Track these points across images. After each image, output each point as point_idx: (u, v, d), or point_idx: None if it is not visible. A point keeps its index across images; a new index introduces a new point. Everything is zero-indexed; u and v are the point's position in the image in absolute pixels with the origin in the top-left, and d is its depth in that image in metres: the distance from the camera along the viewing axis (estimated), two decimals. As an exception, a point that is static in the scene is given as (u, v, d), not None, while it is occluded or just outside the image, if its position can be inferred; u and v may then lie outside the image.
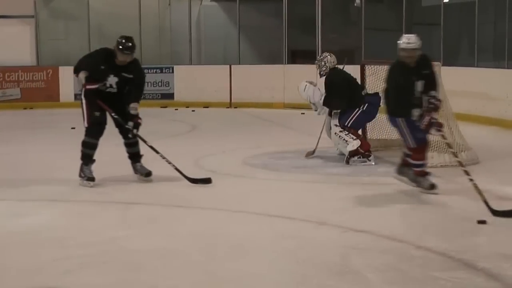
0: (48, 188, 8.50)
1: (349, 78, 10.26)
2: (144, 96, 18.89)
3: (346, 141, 9.75)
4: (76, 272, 5.34)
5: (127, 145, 8.92)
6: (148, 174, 8.80)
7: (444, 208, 7.40)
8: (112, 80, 8.57)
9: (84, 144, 8.72)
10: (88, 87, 8.58)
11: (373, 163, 9.76)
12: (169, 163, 8.61)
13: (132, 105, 8.62)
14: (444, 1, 17.09)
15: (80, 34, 20.07)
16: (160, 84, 19.27)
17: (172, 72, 19.31)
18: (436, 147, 9.61)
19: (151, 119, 16.15)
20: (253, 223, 6.83)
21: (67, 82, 18.86)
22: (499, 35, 17.10)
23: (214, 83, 18.95)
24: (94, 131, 8.62)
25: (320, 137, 10.32)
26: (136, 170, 8.90)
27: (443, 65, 10.64)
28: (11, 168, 9.84)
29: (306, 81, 10.29)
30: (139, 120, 8.72)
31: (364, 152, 9.81)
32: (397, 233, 6.17)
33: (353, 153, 9.76)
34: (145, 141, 8.87)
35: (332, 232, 6.39)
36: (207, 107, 18.48)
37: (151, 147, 8.78)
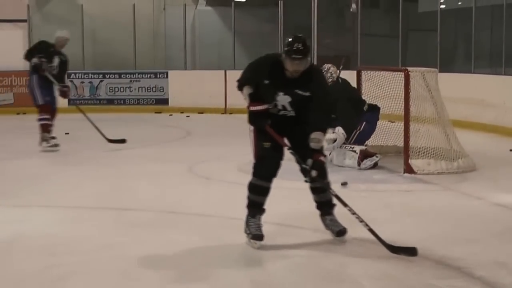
0: (40, 194, 8.43)
1: (351, 96, 10.26)
2: (138, 101, 18.95)
3: (351, 155, 9.75)
4: (68, 279, 5.28)
5: (312, 189, 6.45)
6: (341, 232, 6.31)
7: (441, 215, 7.36)
8: (282, 99, 6.20)
9: (251, 187, 6.42)
10: (252, 108, 6.35)
11: (378, 157, 9.80)
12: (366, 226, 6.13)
13: (314, 135, 6.03)
14: (441, 7, 17.07)
15: (74, 39, 19.84)
16: (154, 89, 19.22)
17: (167, 77, 19.26)
18: (433, 154, 9.58)
19: (145, 125, 16.20)
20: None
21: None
22: (495, 41, 17.11)
23: (209, 88, 18.89)
24: (262, 169, 6.35)
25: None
26: (326, 225, 6.45)
27: (439, 71, 10.60)
28: (2, 174, 9.76)
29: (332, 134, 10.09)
30: (321, 158, 6.12)
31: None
32: (394, 240, 6.09)
33: (362, 157, 9.70)
34: (327, 189, 6.40)
35: (328, 240, 6.32)
36: (202, 113, 18.43)
37: (338, 199, 6.32)
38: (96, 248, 6.07)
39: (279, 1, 19.29)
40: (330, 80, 10.07)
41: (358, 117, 10.19)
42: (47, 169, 10.17)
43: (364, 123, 10.14)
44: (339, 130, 9.96)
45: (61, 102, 18.45)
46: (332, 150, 9.98)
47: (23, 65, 19.31)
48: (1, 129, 15.67)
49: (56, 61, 12.27)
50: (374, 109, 10.30)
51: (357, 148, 9.85)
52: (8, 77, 18.84)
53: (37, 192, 8.53)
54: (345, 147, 9.92)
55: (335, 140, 9.95)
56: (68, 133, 13.50)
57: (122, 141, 10.15)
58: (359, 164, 9.73)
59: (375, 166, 9.77)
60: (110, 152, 11.56)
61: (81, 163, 10.62)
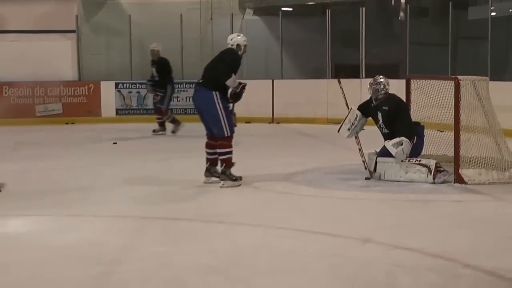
0: (89, 203, 8.46)
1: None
2: (185, 111, 19.05)
3: (417, 168, 9.58)
4: (115, 288, 5.27)
5: None
6: None
7: (492, 225, 7.25)
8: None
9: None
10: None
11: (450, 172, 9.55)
12: None
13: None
14: (491, 14, 16.85)
15: (122, 49, 20.17)
16: (202, 98, 19.21)
17: (214, 86, 19.25)
18: (484, 164, 9.44)
19: (193, 134, 16.21)
20: (296, 240, 6.71)
21: (108, 97, 18.96)
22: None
23: (256, 97, 18.82)
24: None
25: (363, 157, 10.07)
26: None
27: (490, 79, 10.43)
28: (54, 183, 9.82)
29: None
30: None
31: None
32: (444, 250, 6.03)
33: (436, 171, 9.51)
34: None
35: (377, 250, 6.27)
36: (249, 122, 18.40)
37: None
38: (144, 258, 6.07)
39: (327, 10, 19.23)
40: (382, 93, 9.91)
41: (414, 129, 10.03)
42: (97, 179, 10.20)
43: (415, 136, 9.97)
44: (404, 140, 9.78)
45: (109, 111, 18.77)
46: (399, 156, 9.74)
47: (72, 75, 19.66)
48: (51, 138, 15.80)
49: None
50: (419, 124, 10.17)
51: (427, 162, 9.62)
52: (57, 87, 19.01)
53: (87, 202, 8.56)
54: (407, 161, 9.69)
55: (401, 144, 9.75)
56: (116, 143, 13.58)
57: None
58: (434, 178, 9.50)
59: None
60: (157, 162, 11.59)
61: (130, 173, 10.65)
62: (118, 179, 10.09)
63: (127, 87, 19.16)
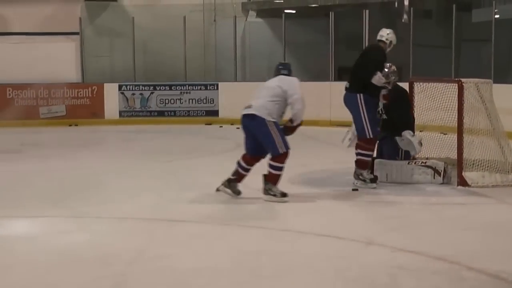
0: (94, 205, 8.46)
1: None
2: (188, 113, 19.04)
3: (422, 170, 9.59)
4: (119, 290, 5.29)
5: None
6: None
7: (496, 228, 7.24)
8: None
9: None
10: None
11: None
12: None
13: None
14: (495, 16, 16.83)
15: (125, 51, 20.16)
16: (204, 101, 19.24)
17: (217, 89, 19.28)
18: (487, 166, 9.43)
19: (196, 137, 16.24)
20: (300, 242, 6.73)
21: (112, 99, 18.97)
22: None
23: (259, 100, 18.81)
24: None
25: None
26: None
27: (494, 82, 10.43)
28: (58, 185, 9.83)
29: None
30: None
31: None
32: (448, 253, 6.03)
33: (444, 171, 9.52)
34: None
35: (380, 252, 6.28)
36: (252, 124, 18.37)
37: None
38: (148, 259, 6.08)
39: (330, 12, 19.20)
40: (394, 79, 9.68)
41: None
42: (100, 180, 10.21)
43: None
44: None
45: (112, 113, 18.78)
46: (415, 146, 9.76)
47: (75, 77, 19.68)
48: (54, 140, 15.82)
49: None
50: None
51: (432, 163, 9.62)
52: (60, 89, 19.01)
53: (90, 203, 8.57)
54: (414, 163, 9.67)
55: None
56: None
57: None
58: (443, 178, 9.50)
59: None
60: (162, 164, 11.59)
61: (133, 174, 10.66)
62: (123, 181, 10.09)
63: (131, 89, 19.16)
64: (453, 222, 7.55)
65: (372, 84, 9.19)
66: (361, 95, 9.18)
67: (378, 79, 9.14)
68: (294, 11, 21.71)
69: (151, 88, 19.16)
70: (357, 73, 9.37)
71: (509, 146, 9.76)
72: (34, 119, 18.56)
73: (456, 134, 9.52)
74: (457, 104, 9.47)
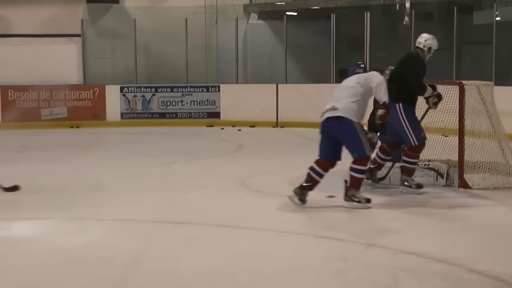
0: (95, 207, 8.46)
1: None
2: (189, 114, 19.06)
3: (425, 172, 9.61)
4: (120, 292, 5.29)
5: None
6: None
7: (497, 230, 7.24)
8: None
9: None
10: None
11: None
12: None
13: None
14: (496, 19, 16.84)
15: (127, 53, 20.18)
16: (206, 103, 19.25)
17: (219, 90, 19.29)
18: (488, 168, 9.43)
19: (197, 138, 16.25)
20: (301, 244, 6.73)
21: (114, 101, 18.98)
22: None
23: (260, 102, 18.86)
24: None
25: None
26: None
27: (495, 84, 10.44)
28: (59, 187, 9.82)
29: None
30: None
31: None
32: (449, 255, 6.03)
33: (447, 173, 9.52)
34: None
35: (381, 254, 6.28)
36: (254, 127, 18.40)
37: None
38: (149, 261, 6.09)
39: (332, 14, 19.22)
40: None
41: None
42: (102, 182, 10.21)
43: None
44: None
45: (114, 114, 18.79)
46: None
47: (77, 79, 19.69)
48: (56, 142, 15.81)
49: None
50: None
51: (435, 165, 9.62)
52: (62, 91, 19.02)
53: (91, 205, 8.57)
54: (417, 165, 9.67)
55: None
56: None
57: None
58: (446, 180, 9.50)
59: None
60: (163, 166, 11.60)
61: (135, 177, 10.66)
62: (124, 183, 10.10)
63: (132, 91, 19.17)
64: (454, 224, 7.56)
65: (408, 92, 9.16)
66: (400, 104, 9.07)
67: (429, 94, 9.24)
68: (295, 13, 21.73)
69: (153, 90, 19.17)
70: (392, 86, 8.86)
71: (510, 148, 9.75)
72: (36, 121, 18.57)
73: (457, 136, 9.52)
74: (458, 106, 9.47)
